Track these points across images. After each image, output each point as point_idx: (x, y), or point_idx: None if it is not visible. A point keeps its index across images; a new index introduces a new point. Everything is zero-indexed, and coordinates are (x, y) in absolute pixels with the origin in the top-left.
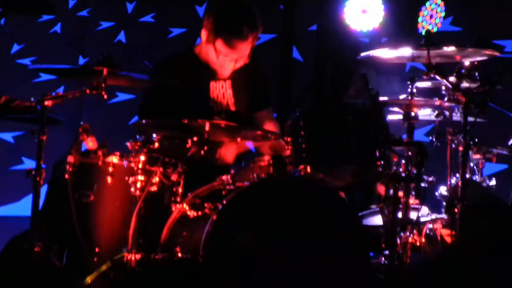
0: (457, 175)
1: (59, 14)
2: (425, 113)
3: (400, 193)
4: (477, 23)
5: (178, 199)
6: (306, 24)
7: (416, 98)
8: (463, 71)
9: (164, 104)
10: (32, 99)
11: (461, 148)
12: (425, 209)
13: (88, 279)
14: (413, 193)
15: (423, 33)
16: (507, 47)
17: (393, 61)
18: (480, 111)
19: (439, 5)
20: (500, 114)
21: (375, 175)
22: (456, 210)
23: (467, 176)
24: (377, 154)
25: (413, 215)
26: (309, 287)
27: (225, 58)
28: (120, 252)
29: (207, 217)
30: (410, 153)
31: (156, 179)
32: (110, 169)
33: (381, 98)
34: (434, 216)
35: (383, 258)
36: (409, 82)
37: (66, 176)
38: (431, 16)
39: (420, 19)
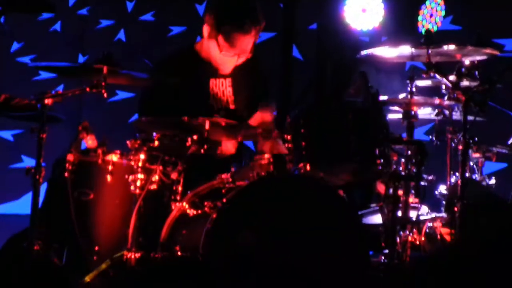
0: (457, 173)
1: (59, 13)
2: (425, 112)
3: (400, 192)
4: (477, 22)
5: (178, 198)
6: (306, 23)
7: (416, 97)
8: (463, 70)
9: (164, 102)
10: (31, 97)
11: (460, 147)
12: (424, 208)
13: (88, 278)
14: (413, 191)
15: (423, 32)
16: (507, 46)
17: (393, 60)
18: (480, 110)
19: (439, 4)
20: (500, 113)
21: (374, 174)
22: (455, 209)
23: (467, 175)
24: (377, 152)
25: (412, 213)
26: (308, 286)
27: (227, 53)
28: (119, 251)
29: (207, 215)
30: (410, 152)
31: (156, 178)
32: (110, 167)
33: (381, 97)
34: (433, 214)
35: (382, 257)
36: (408, 81)
37: (66, 174)
38: (431, 15)
39: (420, 18)
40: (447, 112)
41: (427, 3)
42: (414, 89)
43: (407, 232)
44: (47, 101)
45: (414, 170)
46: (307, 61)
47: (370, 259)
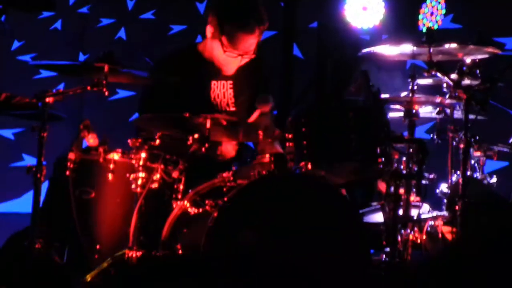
0: (458, 172)
1: (59, 11)
2: (426, 111)
3: (401, 190)
4: (478, 20)
5: (179, 196)
6: (306, 21)
7: (417, 95)
8: (464, 68)
9: (164, 101)
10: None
11: (462, 146)
12: (426, 207)
13: (89, 276)
14: (414, 190)
15: (424, 30)
16: (508, 45)
17: (394, 58)
18: (481, 108)
19: (439, 2)
20: (501, 112)
21: (376, 173)
22: (457, 207)
23: (468, 173)
24: (378, 151)
25: (414, 212)
26: (309, 284)
27: (231, 54)
28: (121, 249)
29: (208, 214)
30: (411, 150)
31: (157, 176)
32: (111, 166)
33: (382, 96)
34: (435, 213)
35: (384, 255)
36: (410, 80)
37: (67, 173)
38: (431, 14)
39: (420, 16)
40: (448, 110)
41: (428, 1)
42: (415, 88)
43: (408, 231)
44: (48, 99)
45: (415, 168)
46: (308, 60)
47: (371, 257)
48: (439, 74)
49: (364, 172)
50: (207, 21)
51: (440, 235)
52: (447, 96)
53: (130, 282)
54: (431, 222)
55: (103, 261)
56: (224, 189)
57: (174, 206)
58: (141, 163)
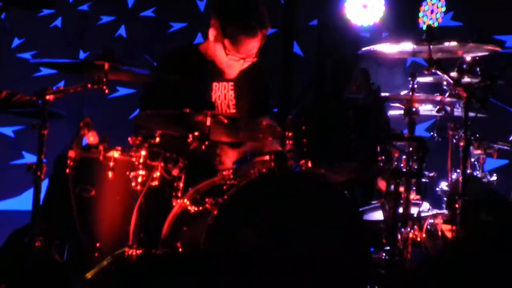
0: (458, 170)
1: (59, 9)
2: (426, 108)
3: (401, 189)
4: (478, 18)
5: (179, 194)
6: (307, 19)
7: (417, 94)
8: (464, 66)
9: (164, 99)
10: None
11: (462, 144)
12: (426, 205)
13: (89, 274)
14: (414, 188)
15: (424, 28)
16: (508, 42)
17: (394, 56)
18: (481, 106)
19: (439, 0)
20: (501, 110)
21: (376, 171)
22: (457, 205)
23: (468, 171)
24: (378, 149)
25: (414, 210)
26: (309, 283)
27: (233, 57)
28: (121, 247)
29: (208, 212)
30: (411, 148)
31: (157, 174)
32: (111, 163)
33: (382, 94)
34: (435, 211)
35: (384, 254)
36: (410, 78)
37: (67, 170)
38: (432, 11)
39: (421, 14)
40: (448, 108)
41: None
42: (415, 86)
43: (408, 229)
44: (48, 97)
45: (415, 166)
46: (308, 58)
47: (371, 255)
48: (439, 72)
49: (364, 171)
50: (207, 20)
51: (440, 233)
52: (447, 94)
53: (130, 280)
54: (431, 220)
55: (103, 259)
56: (224, 187)
57: (174, 204)
58: (141, 161)
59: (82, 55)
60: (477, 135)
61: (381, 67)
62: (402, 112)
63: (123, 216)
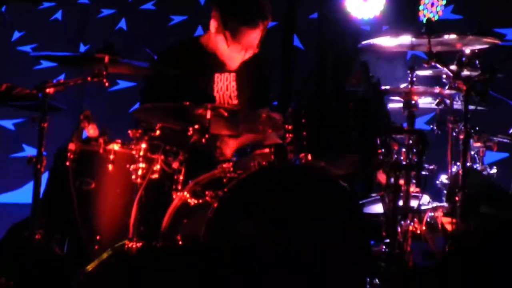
0: (458, 163)
1: (60, 2)
2: (425, 102)
3: (401, 181)
4: (478, 11)
5: (179, 187)
6: (307, 12)
7: (416, 87)
8: (464, 59)
9: (165, 93)
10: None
11: (461, 137)
12: (426, 197)
13: (89, 267)
14: (414, 181)
15: (424, 21)
16: (508, 35)
17: (394, 50)
18: (481, 99)
19: None
20: (501, 102)
21: (376, 164)
22: (456, 198)
23: (468, 164)
24: (378, 142)
25: (414, 203)
26: (309, 276)
27: (235, 48)
28: (121, 240)
29: (208, 205)
30: (411, 141)
31: (157, 167)
32: (111, 156)
33: (382, 87)
34: (435, 204)
35: (383, 246)
36: (409, 71)
37: (67, 163)
38: (432, 4)
39: (421, 7)
40: (448, 101)
41: None
42: (414, 79)
43: (408, 222)
44: (49, 90)
45: (415, 159)
46: (308, 51)
47: (371, 248)
48: (438, 65)
49: (364, 164)
50: (208, 13)
51: (440, 226)
52: (447, 87)
53: (130, 273)
54: (431, 213)
55: (103, 252)
56: (224, 180)
57: (174, 197)
58: (141, 154)
59: (82, 48)
60: (477, 128)
61: (381, 59)
62: (401, 105)
63: (123, 209)
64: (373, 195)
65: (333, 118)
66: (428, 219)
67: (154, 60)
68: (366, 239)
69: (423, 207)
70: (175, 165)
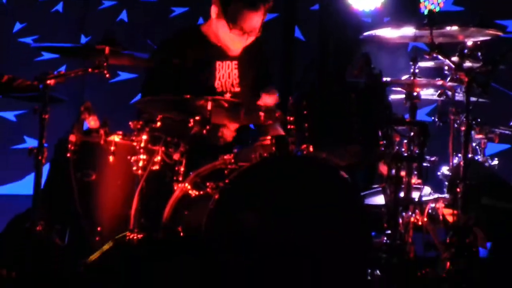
0: (459, 155)
1: None
2: (427, 93)
3: (402, 173)
4: (480, 3)
5: (180, 178)
6: (308, 4)
7: (418, 78)
8: (465, 51)
9: (166, 83)
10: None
11: (463, 128)
12: (427, 189)
13: (90, 258)
14: (415, 172)
15: (426, 12)
16: (509, 27)
17: (395, 41)
18: (482, 91)
19: None
20: (502, 94)
21: (377, 156)
22: (458, 189)
23: (469, 156)
24: (380, 134)
25: (415, 194)
26: (310, 267)
27: (237, 33)
28: (122, 232)
29: (209, 196)
30: (412, 132)
31: (158, 158)
32: (112, 148)
33: (384, 78)
34: (436, 195)
35: (385, 238)
36: (411, 62)
37: (68, 155)
38: None
39: None
40: (449, 93)
41: None
42: (416, 70)
43: (410, 213)
44: (50, 81)
45: (417, 151)
46: (309, 42)
47: (372, 239)
48: (440, 57)
49: (365, 155)
50: (208, 6)
51: (441, 217)
52: (449, 79)
53: (131, 264)
54: (432, 205)
55: (104, 243)
56: (225, 171)
57: (175, 188)
58: (142, 145)
59: (83, 39)
60: (479, 120)
61: (382, 51)
62: (403, 96)
63: (124, 200)
64: (375, 186)
65: (335, 106)
66: (430, 211)
67: (155, 50)
68: (367, 230)
69: (424, 199)
70: (176, 156)
